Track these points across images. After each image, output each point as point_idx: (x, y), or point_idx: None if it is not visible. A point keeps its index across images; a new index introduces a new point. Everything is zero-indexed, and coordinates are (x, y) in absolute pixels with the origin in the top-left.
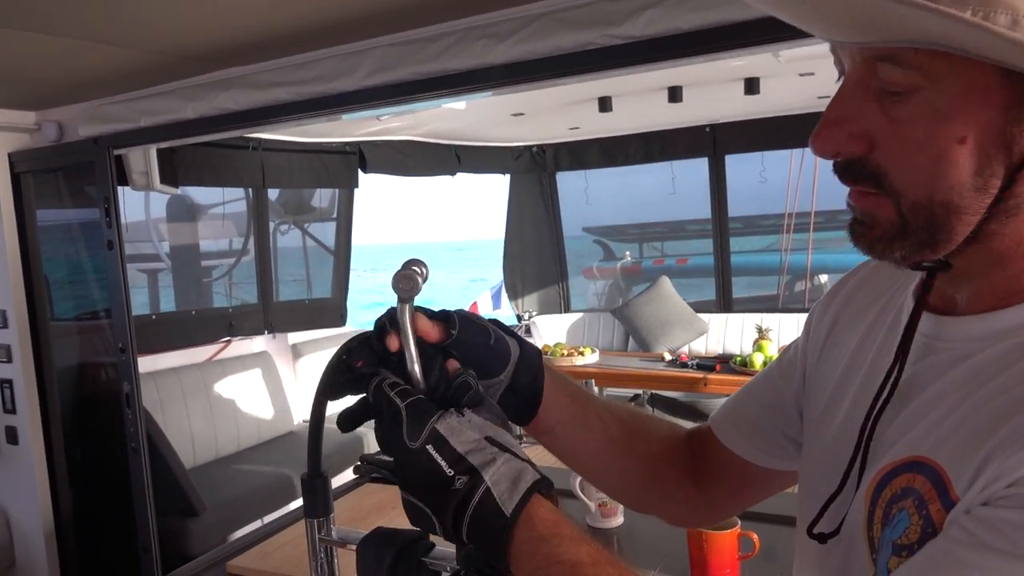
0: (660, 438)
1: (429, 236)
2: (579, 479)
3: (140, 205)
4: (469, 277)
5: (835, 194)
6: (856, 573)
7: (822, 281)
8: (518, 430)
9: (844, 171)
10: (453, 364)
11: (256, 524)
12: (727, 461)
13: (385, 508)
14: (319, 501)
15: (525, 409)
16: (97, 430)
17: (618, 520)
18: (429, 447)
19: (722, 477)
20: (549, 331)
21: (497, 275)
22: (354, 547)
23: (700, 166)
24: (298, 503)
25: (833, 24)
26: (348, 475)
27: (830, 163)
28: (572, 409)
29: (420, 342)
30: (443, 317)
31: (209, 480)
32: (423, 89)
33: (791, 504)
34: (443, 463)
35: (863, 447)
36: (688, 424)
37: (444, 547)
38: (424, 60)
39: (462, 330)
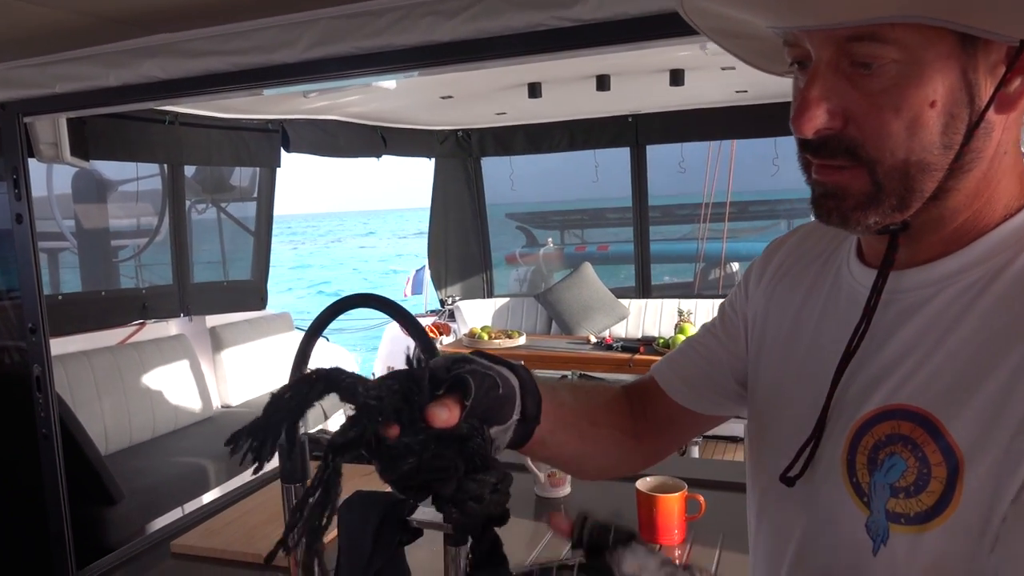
0: (606, 407)
1: (355, 205)
2: None
3: (41, 180)
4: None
5: (748, 185)
6: (842, 518)
7: (734, 269)
8: None
9: (820, 147)
10: None
11: (176, 512)
12: (670, 411)
13: None
14: (296, 466)
15: (524, 434)
16: (0, 417)
17: (566, 490)
18: None
19: (664, 428)
20: (473, 316)
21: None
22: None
23: (622, 155)
24: (223, 488)
25: (822, 8)
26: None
27: (745, 156)
28: (555, 413)
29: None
30: (456, 385)
31: (124, 468)
32: (367, 64)
33: (737, 470)
34: None
35: (830, 398)
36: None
37: (427, 507)
38: (369, 35)
39: (476, 392)
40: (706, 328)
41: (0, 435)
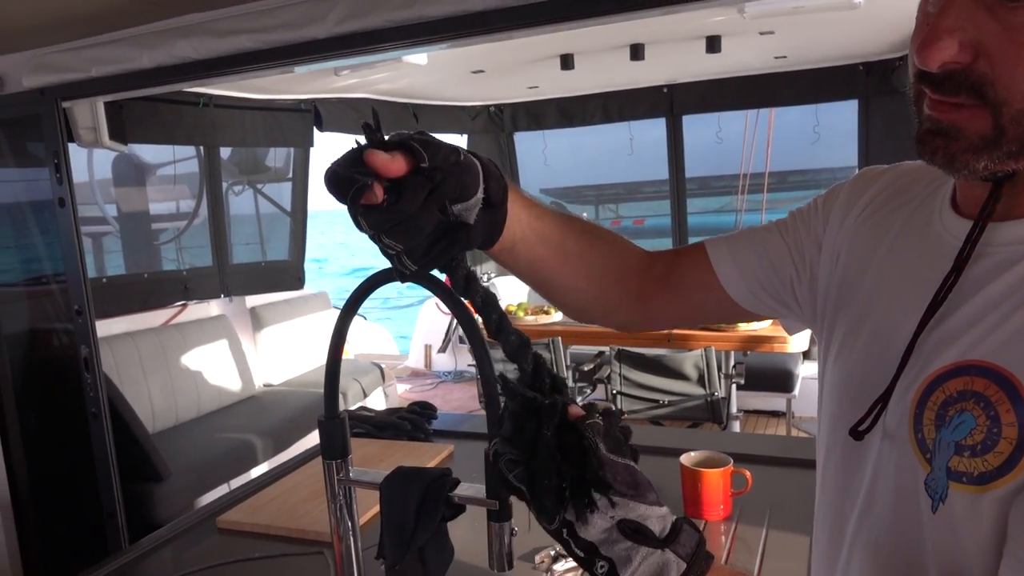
0: (611, 251)
1: None
2: None
3: (83, 165)
4: None
5: (787, 155)
6: (904, 474)
7: None
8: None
9: (942, 82)
10: (575, 412)
11: (223, 488)
12: (702, 288)
13: (372, 461)
14: (337, 442)
15: (492, 228)
16: (52, 397)
17: None
18: (563, 530)
19: (682, 300)
20: (509, 292)
21: None
22: (374, 488)
23: (658, 129)
24: (268, 464)
25: None
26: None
27: (784, 124)
28: (532, 223)
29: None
30: (401, 146)
31: (171, 446)
32: (398, 37)
33: (783, 445)
34: (577, 550)
35: (909, 352)
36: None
37: (470, 483)
38: (400, 6)
39: (432, 156)
40: (774, 228)
41: (52, 414)
